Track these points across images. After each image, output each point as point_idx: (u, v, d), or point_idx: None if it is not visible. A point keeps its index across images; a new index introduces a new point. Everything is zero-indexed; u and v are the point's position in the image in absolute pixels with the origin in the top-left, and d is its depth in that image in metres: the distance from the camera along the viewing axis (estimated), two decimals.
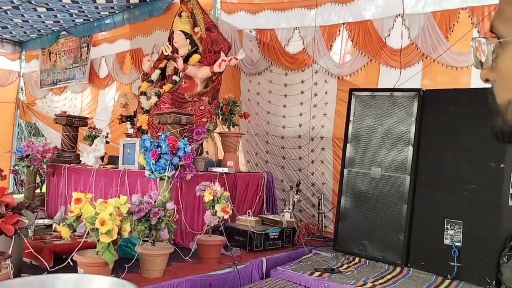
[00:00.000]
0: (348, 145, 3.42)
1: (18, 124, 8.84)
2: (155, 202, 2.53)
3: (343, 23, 4.45)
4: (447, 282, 2.78)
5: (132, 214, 2.48)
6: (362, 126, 3.35)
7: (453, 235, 2.84)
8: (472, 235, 2.77)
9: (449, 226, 2.86)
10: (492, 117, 0.59)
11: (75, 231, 2.89)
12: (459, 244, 2.80)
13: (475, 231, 2.76)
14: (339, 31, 4.47)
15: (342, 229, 3.39)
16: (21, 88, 8.75)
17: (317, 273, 2.84)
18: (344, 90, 4.06)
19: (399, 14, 4.03)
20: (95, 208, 2.26)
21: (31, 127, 9.37)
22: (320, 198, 4.08)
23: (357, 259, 3.23)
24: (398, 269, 3.03)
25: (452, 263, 2.78)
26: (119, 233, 2.32)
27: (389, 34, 4.11)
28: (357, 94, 3.42)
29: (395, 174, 3.14)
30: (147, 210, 2.49)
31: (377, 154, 3.24)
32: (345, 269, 3.00)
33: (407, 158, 3.10)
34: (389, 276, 2.90)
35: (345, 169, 3.42)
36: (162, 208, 2.53)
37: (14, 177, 7.29)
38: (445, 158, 2.94)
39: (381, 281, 2.78)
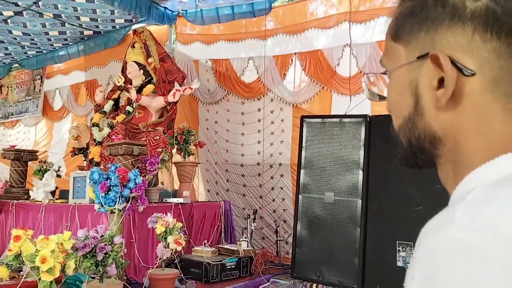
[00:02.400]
0: (302, 171, 3.45)
1: None
2: (101, 236, 2.45)
3: (295, 53, 4.58)
4: None
5: (78, 250, 2.39)
6: (314, 152, 3.41)
7: (405, 256, 2.89)
8: None
9: (401, 248, 2.91)
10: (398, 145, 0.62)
11: (20, 271, 2.74)
12: None
13: None
14: (292, 60, 4.59)
15: (299, 256, 3.38)
16: None
17: None
18: (299, 117, 4.13)
19: (347, 44, 4.18)
20: (35, 245, 2.18)
21: None
22: (277, 225, 4.07)
23: (314, 286, 3.21)
24: None
25: None
26: (62, 271, 2.24)
27: (338, 63, 4.26)
28: (308, 121, 3.49)
29: (347, 199, 3.19)
30: (93, 246, 2.40)
31: (330, 179, 3.29)
32: None
33: (358, 183, 3.16)
34: None
35: (299, 195, 3.44)
36: (109, 243, 2.44)
37: None
38: (394, 181, 3.01)
39: None
